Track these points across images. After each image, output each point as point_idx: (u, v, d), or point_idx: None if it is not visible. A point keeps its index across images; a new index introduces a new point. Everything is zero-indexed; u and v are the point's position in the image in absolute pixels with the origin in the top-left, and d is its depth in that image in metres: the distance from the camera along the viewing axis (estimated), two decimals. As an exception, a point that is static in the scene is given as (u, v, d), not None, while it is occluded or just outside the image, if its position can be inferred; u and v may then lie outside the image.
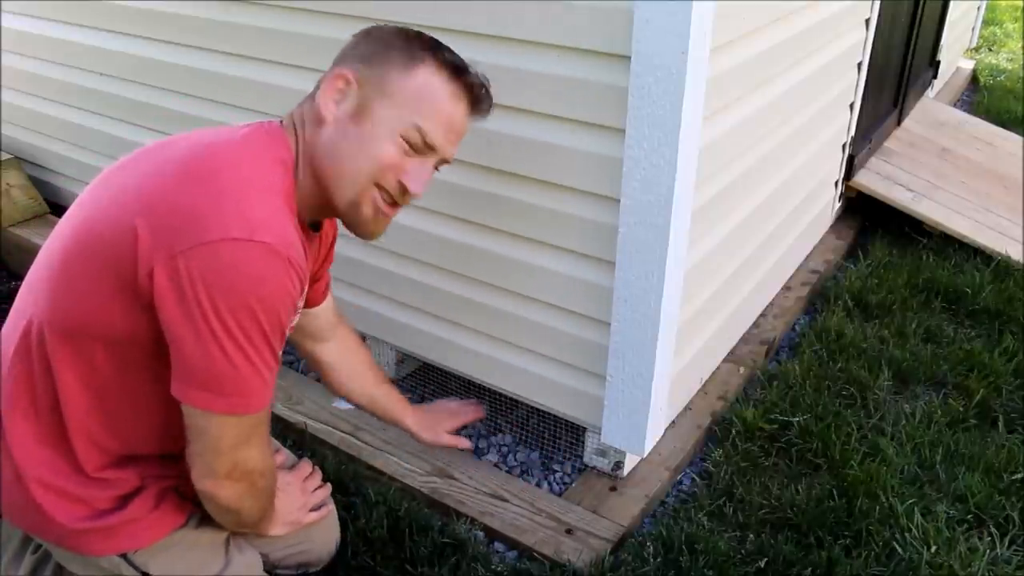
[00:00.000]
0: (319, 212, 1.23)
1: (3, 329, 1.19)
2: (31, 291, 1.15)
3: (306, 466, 1.53)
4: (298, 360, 2.36)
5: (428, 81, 1.16)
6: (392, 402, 1.67)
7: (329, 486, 1.54)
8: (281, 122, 1.20)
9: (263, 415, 1.11)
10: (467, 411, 1.74)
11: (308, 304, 1.48)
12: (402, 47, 1.17)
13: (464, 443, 1.71)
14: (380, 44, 1.18)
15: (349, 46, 1.22)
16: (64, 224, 1.14)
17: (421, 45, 1.18)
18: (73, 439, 1.15)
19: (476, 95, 1.23)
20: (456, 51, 1.22)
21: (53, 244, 1.13)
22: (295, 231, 1.09)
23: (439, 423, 1.69)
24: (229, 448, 1.10)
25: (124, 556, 1.21)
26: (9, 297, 2.38)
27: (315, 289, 1.46)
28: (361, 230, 1.25)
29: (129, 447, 1.19)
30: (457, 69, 1.19)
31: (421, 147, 1.19)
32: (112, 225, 1.05)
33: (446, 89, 1.18)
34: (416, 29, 1.23)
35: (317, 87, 1.20)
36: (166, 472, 1.20)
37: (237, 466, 1.12)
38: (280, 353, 1.11)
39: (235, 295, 1.00)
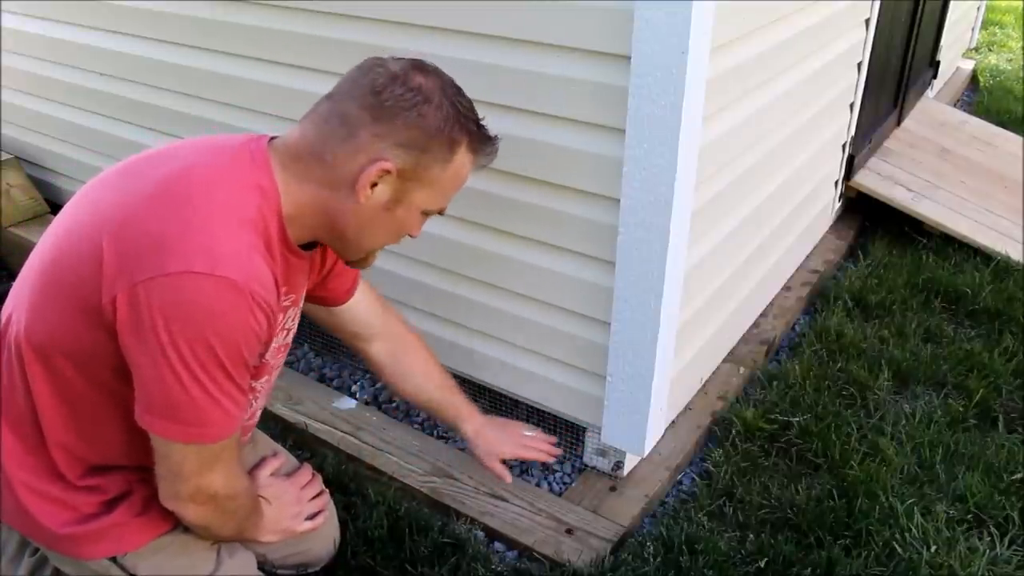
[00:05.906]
0: (313, 238, 1.22)
1: None
2: (13, 302, 1.16)
3: (305, 473, 1.52)
4: (298, 360, 2.36)
5: (462, 163, 1.18)
6: (449, 406, 1.66)
7: (328, 494, 1.54)
8: (271, 140, 1.16)
9: (227, 443, 1.12)
10: (537, 448, 1.74)
11: (329, 303, 1.49)
12: (442, 134, 1.12)
13: (507, 477, 1.72)
14: (416, 128, 1.10)
15: (384, 113, 1.09)
16: (47, 236, 1.15)
17: (457, 120, 1.13)
18: (51, 450, 1.16)
19: (491, 159, 1.23)
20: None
21: (35, 256, 1.15)
22: (264, 264, 1.08)
23: (499, 445, 1.70)
24: (191, 474, 1.12)
25: (113, 559, 1.21)
26: (9, 297, 2.37)
27: (330, 288, 1.45)
28: (355, 267, 1.31)
29: (106, 459, 1.20)
30: (483, 142, 1.19)
31: (436, 214, 1.23)
32: (84, 244, 1.06)
33: (471, 163, 1.20)
34: (432, 67, 1.15)
35: (321, 121, 1.13)
36: (152, 477, 1.20)
37: (200, 491, 1.14)
38: (247, 383, 1.12)
39: (192, 328, 1.01)
